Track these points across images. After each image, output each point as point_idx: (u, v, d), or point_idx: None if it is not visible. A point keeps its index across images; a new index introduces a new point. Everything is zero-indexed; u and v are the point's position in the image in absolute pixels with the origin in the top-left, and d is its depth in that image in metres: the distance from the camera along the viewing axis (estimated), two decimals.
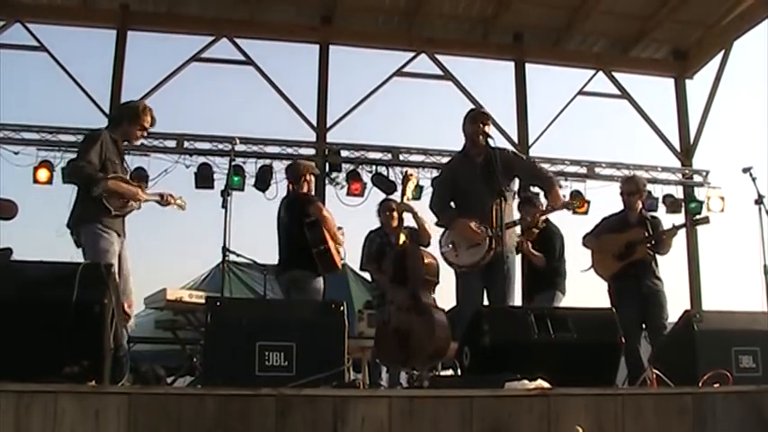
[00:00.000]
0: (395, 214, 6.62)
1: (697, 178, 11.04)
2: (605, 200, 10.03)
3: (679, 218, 9.95)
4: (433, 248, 6.10)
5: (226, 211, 5.31)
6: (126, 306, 4.74)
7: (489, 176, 5.19)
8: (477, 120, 5.41)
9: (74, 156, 9.10)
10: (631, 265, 6.17)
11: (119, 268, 4.75)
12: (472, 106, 10.00)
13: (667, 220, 7.05)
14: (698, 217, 6.16)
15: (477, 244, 5.14)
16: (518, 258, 7.09)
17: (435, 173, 10.21)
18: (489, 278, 5.19)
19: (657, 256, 6.32)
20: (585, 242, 6.51)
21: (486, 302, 5.25)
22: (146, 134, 5.36)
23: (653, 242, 6.25)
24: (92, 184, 4.88)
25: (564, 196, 6.00)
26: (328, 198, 9.79)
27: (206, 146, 9.98)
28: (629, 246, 6.20)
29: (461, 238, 5.23)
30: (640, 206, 6.56)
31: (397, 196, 7.90)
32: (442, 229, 5.49)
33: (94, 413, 3.06)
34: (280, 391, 3.28)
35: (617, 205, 6.56)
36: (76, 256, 4.79)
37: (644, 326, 6.14)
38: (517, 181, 5.67)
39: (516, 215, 5.76)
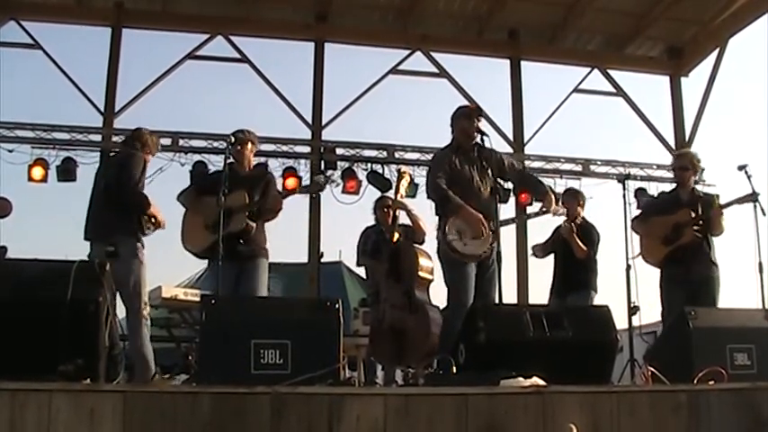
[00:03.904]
0: (390, 211, 6.61)
1: None
2: (601, 197, 10.04)
3: None
4: (428, 245, 6.10)
5: (221, 210, 5.29)
6: None
7: (484, 172, 5.22)
8: (472, 116, 5.36)
9: (67, 154, 9.31)
10: (679, 249, 5.77)
11: None
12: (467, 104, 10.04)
13: None
14: (748, 193, 5.76)
15: (480, 237, 5.06)
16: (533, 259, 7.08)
17: None
18: (479, 273, 5.12)
19: (713, 238, 5.87)
20: (634, 227, 5.93)
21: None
22: None
23: (700, 223, 5.79)
24: (145, 208, 5.11)
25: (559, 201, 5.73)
26: (324, 196, 9.74)
27: (201, 144, 9.96)
28: (676, 228, 5.82)
29: (469, 227, 5.07)
30: (693, 184, 6.11)
31: (392, 194, 7.89)
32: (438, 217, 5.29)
33: (89, 412, 3.05)
34: (275, 389, 3.27)
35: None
36: (70, 254, 4.75)
37: None
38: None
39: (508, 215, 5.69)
